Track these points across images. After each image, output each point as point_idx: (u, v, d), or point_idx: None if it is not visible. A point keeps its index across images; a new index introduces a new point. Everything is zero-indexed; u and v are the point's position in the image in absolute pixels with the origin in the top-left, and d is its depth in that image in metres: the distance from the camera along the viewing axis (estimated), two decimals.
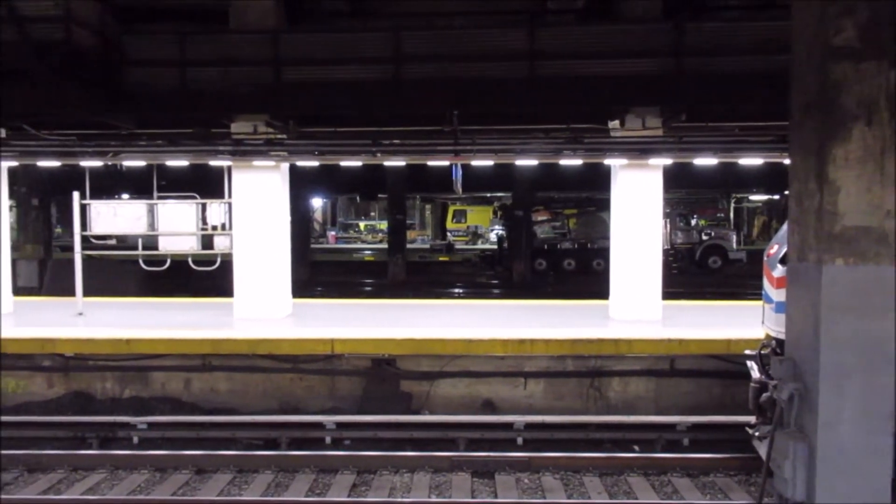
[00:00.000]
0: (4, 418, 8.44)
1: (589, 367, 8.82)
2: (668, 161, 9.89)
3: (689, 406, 8.64)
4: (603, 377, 8.84)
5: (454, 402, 8.85)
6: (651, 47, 9.32)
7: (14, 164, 10.94)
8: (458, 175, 11.05)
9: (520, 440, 7.91)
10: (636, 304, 10.12)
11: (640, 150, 9.59)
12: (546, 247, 26.31)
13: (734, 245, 27.20)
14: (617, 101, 9.63)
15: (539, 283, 23.76)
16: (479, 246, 37.22)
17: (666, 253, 10.58)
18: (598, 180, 18.46)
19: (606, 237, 24.31)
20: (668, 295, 10.62)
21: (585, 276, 23.96)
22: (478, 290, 22.96)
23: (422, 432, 8.04)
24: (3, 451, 7.52)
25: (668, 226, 24.89)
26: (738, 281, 22.33)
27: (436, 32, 9.66)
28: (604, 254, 23.30)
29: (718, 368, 8.72)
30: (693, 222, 28.06)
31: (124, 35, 9.75)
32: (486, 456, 7.32)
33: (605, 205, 26.02)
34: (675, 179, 13.18)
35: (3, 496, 6.02)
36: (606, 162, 10.14)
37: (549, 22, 10.06)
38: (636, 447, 7.83)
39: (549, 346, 8.69)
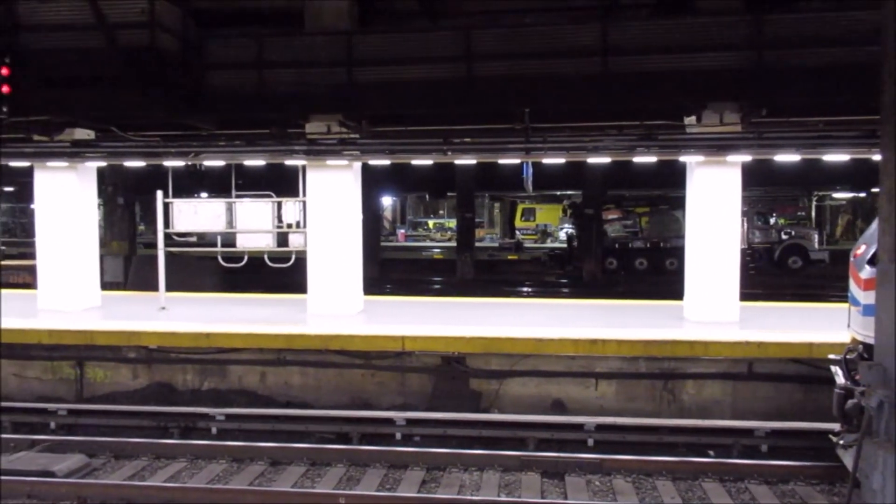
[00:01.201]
0: (95, 407, 8.89)
1: (662, 368, 8.64)
2: (747, 158, 9.58)
3: (767, 411, 8.36)
4: (677, 379, 8.64)
5: (523, 402, 8.81)
6: (729, 40, 9.03)
7: (103, 164, 11.45)
8: (528, 173, 10.99)
9: (590, 441, 7.82)
10: (712, 305, 9.85)
11: (717, 146, 9.32)
12: (617, 246, 25.89)
13: (816, 245, 26.14)
14: (693, 97, 9.37)
15: (610, 282, 23.40)
16: (548, 244, 36.91)
17: (743, 252, 10.25)
18: (671, 178, 18.00)
19: (680, 236, 24.00)
20: (745, 296, 10.29)
21: (658, 275, 23.49)
22: (547, 289, 22.77)
23: (491, 431, 8.05)
24: (94, 438, 7.94)
25: (746, 224, 24.11)
26: (820, 282, 21.46)
27: (506, 30, 9.62)
28: (677, 253, 22.83)
29: (800, 373, 8.40)
30: (772, 221, 27.10)
31: (205, 39, 10.08)
32: (555, 456, 7.27)
33: (678, 203, 25.49)
34: (753, 176, 12.72)
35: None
36: (682, 159, 9.90)
37: (622, 17, 9.88)
38: (711, 452, 7.62)
39: (621, 347, 8.55)
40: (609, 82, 9.22)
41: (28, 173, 13.11)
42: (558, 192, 35.11)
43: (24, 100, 9.42)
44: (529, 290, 22.32)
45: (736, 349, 8.46)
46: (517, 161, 10.57)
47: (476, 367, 8.92)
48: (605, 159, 10.30)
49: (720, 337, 8.64)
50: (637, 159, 10.01)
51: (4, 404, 8.97)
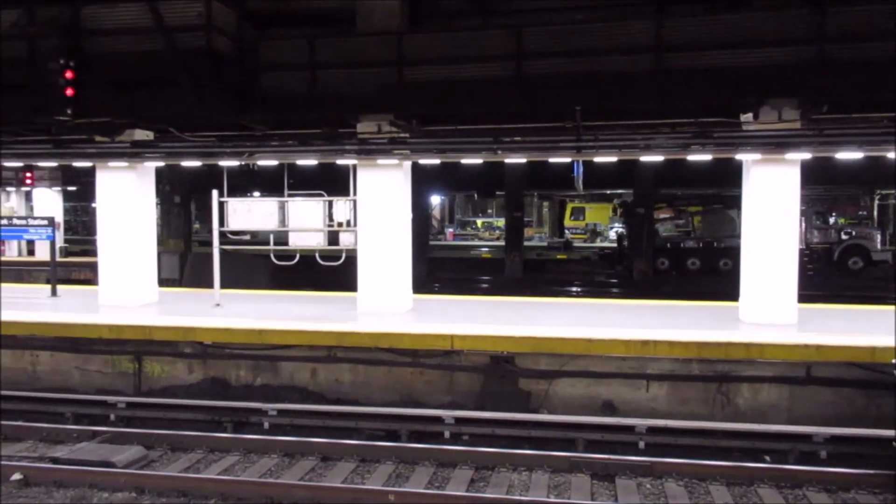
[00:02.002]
0: (152, 400, 9.14)
1: (716, 371, 8.45)
2: (807, 155, 9.29)
3: (826, 417, 8.11)
4: (731, 382, 8.44)
5: (573, 402, 8.73)
6: (789, 35, 8.79)
7: (161, 164, 11.76)
8: (579, 172, 10.87)
9: (641, 444, 7.71)
10: (769, 307, 9.60)
11: (775, 144, 9.07)
12: (669, 245, 25.44)
13: (878, 245, 25.21)
14: (751, 93, 9.13)
15: (661, 282, 23.02)
16: (598, 244, 36.51)
17: (801, 253, 9.95)
18: (726, 176, 17.62)
19: (734, 236, 23.48)
20: (803, 298, 9.99)
21: (711, 276, 23.01)
22: (596, 288, 22.52)
23: (540, 431, 8.00)
24: (151, 431, 8.16)
25: (804, 224, 23.45)
26: (883, 284, 20.70)
27: (558, 28, 9.53)
28: (731, 253, 22.33)
29: (861, 377, 8.12)
30: (831, 220, 26.25)
31: (259, 41, 10.26)
32: (606, 458, 7.18)
33: (732, 202, 24.94)
34: (812, 175, 12.34)
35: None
36: (738, 157, 9.66)
37: (676, 12, 9.69)
38: (767, 457, 7.43)
39: (673, 349, 8.40)
40: (663, 79, 9.07)
41: (90, 173, 13.57)
42: (608, 191, 34.69)
43: (87, 102, 9.75)
44: (579, 289, 22.11)
45: (793, 352, 8.23)
46: (568, 160, 10.46)
47: (525, 366, 8.87)
48: (658, 158, 10.11)
49: (777, 339, 8.41)
50: (691, 157, 9.80)
51: (69, 396, 9.31)
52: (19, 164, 19.41)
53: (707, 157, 9.69)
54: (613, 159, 10.13)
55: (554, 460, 7.22)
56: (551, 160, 10.37)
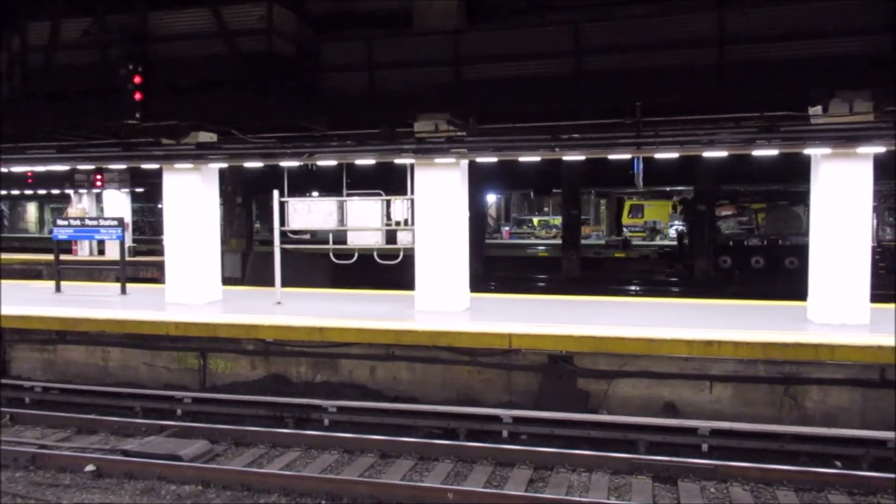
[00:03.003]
0: (217, 396, 9.37)
1: (783, 373, 8.20)
2: (881, 149, 8.91)
3: None
4: (799, 385, 8.17)
5: (633, 403, 8.59)
6: (861, 24, 8.45)
7: (224, 165, 12.04)
8: (639, 169, 10.67)
9: (705, 447, 7.55)
10: (839, 307, 9.24)
11: (846, 137, 8.72)
12: (731, 243, 24.80)
13: None
14: (821, 86, 8.81)
15: (723, 281, 22.47)
16: (658, 242, 35.86)
17: (873, 251, 9.55)
18: (792, 172, 17.07)
19: (800, 233, 22.76)
20: (875, 297, 9.59)
21: (776, 275, 22.33)
22: (656, 287, 22.14)
23: (599, 432, 7.91)
24: (216, 425, 8.37)
25: (876, 221, 22.54)
26: None
27: (616, 22, 9.38)
28: (797, 251, 21.66)
29: None
30: None
31: (318, 43, 10.41)
32: (668, 461, 7.05)
33: (798, 198, 24.18)
34: (884, 170, 11.82)
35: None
36: (806, 152, 9.33)
37: (740, 4, 9.42)
38: (838, 463, 7.17)
39: (738, 349, 8.18)
40: (726, 72, 8.83)
41: (156, 175, 13.99)
42: (668, 188, 34.04)
43: (154, 106, 10.07)
44: (638, 288, 21.77)
45: (866, 354, 7.91)
46: (627, 156, 10.28)
47: (584, 366, 8.77)
48: (721, 153, 9.84)
49: (848, 340, 8.10)
50: (756, 153, 9.51)
51: (138, 391, 9.63)
52: (91, 166, 20.15)
53: (773, 152, 9.39)
54: (675, 155, 9.92)
55: (614, 462, 7.13)
56: (610, 157, 10.21)
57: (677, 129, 9.59)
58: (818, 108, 9.23)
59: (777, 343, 8.13)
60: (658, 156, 9.97)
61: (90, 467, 7.13)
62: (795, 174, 16.14)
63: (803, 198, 23.59)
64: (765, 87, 8.95)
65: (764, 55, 8.75)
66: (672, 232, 36.26)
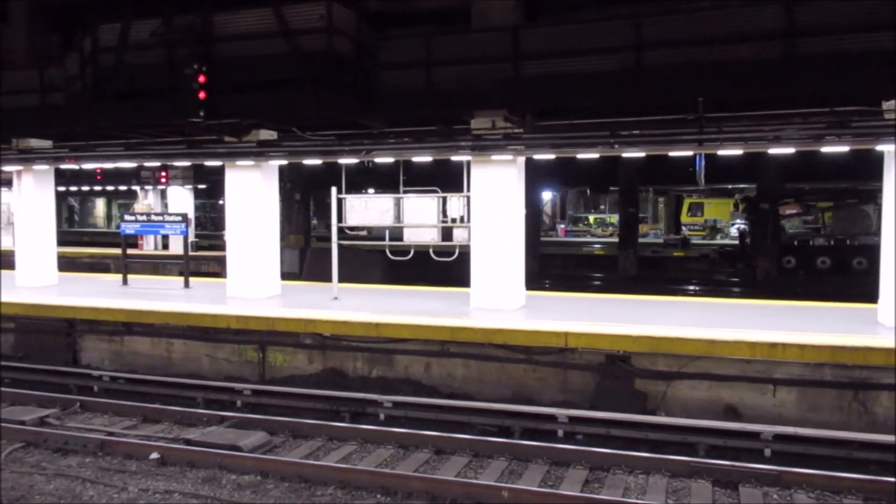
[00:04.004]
0: (275, 388, 9.54)
1: (852, 377, 7.89)
2: None
3: None
4: (869, 390, 7.86)
5: (693, 406, 8.40)
6: None
7: (284, 162, 12.26)
8: (700, 166, 10.43)
9: (767, 452, 7.33)
10: None
11: None
12: (796, 243, 24.04)
13: None
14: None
15: (787, 282, 21.80)
16: (718, 241, 35.04)
17: None
18: (861, 169, 16.43)
19: (869, 233, 21.88)
20: None
21: (843, 275, 21.56)
22: (716, 288, 21.62)
23: (658, 434, 7.77)
24: (274, 417, 8.53)
25: None
26: None
27: (679, 16, 9.16)
28: (867, 251, 20.86)
29: None
30: None
31: (377, 40, 10.49)
32: (728, 465, 6.86)
33: (868, 196, 23.28)
34: None
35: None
36: (879, 148, 8.97)
37: None
38: None
39: (804, 352, 7.91)
40: (794, 67, 8.54)
41: (217, 172, 14.33)
42: (729, 186, 33.22)
43: (217, 104, 10.31)
44: (697, 288, 21.31)
45: None
46: (689, 153, 10.06)
47: (642, 366, 8.63)
48: (787, 150, 9.54)
49: None
50: (825, 149, 9.19)
51: (200, 382, 9.89)
52: (157, 163, 20.79)
53: (843, 148, 9.06)
54: (738, 152, 9.65)
55: (673, 464, 6.99)
56: (671, 154, 10.01)
57: (741, 124, 9.33)
58: (892, 103, 8.85)
59: (846, 347, 7.83)
60: (721, 152, 9.72)
61: (154, 455, 7.35)
62: (865, 172, 15.56)
63: (873, 196, 22.75)
64: (835, 80, 8.62)
65: (834, 48, 8.42)
66: (733, 231, 35.36)
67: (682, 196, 39.96)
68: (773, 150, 9.84)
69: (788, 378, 8.09)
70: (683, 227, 39.12)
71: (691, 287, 21.46)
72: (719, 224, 39.23)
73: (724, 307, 11.24)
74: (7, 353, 11.78)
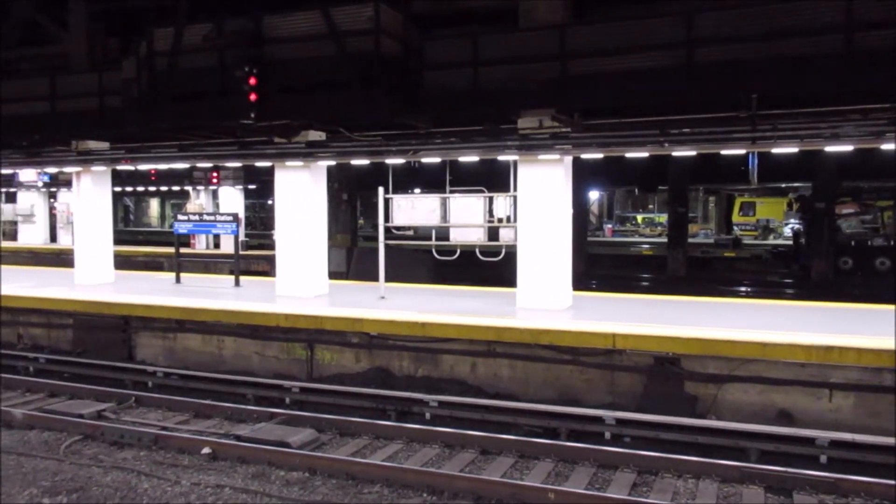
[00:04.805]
0: (323, 386, 9.65)
1: None
2: None
3: None
4: None
5: (744, 410, 8.22)
6: None
7: (332, 162, 12.40)
8: (753, 164, 10.18)
9: (823, 458, 7.13)
10: None
11: None
12: (853, 243, 23.31)
13: None
14: None
15: (843, 283, 21.15)
16: (771, 241, 34.19)
17: None
18: None
19: None
20: None
21: None
22: (769, 289, 21.11)
23: (708, 438, 7.62)
24: (322, 415, 8.63)
25: None
26: None
27: (732, 11, 8.96)
28: None
29: None
30: None
31: (423, 41, 10.53)
32: (782, 471, 6.69)
33: None
34: None
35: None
36: None
37: None
38: None
39: (862, 356, 7.67)
40: (853, 61, 8.27)
41: (266, 172, 14.56)
42: (783, 185, 32.38)
43: (267, 106, 10.48)
44: (749, 289, 20.83)
45: None
46: (742, 151, 9.83)
47: (692, 369, 8.47)
48: (845, 147, 9.25)
49: None
50: (887, 146, 8.87)
51: (249, 379, 10.06)
52: (209, 164, 21.24)
53: None
54: (794, 150, 9.40)
55: (723, 469, 6.84)
56: (723, 152, 9.80)
57: (797, 122, 9.09)
58: None
59: None
60: (775, 150, 9.49)
61: (206, 450, 7.52)
62: None
63: None
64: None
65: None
66: (787, 231, 34.48)
67: (734, 195, 39.13)
68: (831, 148, 9.55)
69: (846, 383, 7.84)
70: (735, 227, 38.30)
71: (743, 288, 21.00)
72: (772, 224, 38.26)
73: (777, 309, 10.96)
74: (66, 348, 12.19)
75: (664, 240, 28.82)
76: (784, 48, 8.58)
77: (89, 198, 14.23)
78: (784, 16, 8.64)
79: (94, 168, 14.01)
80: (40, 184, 26.80)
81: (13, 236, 28.93)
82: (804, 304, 11.72)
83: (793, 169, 21.68)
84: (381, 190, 11.66)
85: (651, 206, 50.03)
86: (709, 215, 45.07)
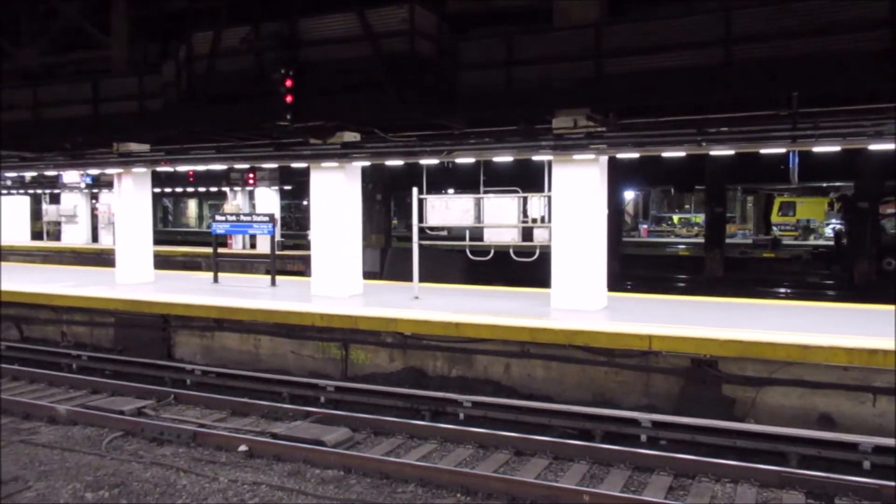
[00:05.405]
0: (357, 385, 9.71)
1: None
2: None
3: None
4: None
5: (784, 413, 8.06)
6: None
7: (367, 163, 12.47)
8: (794, 163, 9.98)
9: (866, 464, 6.96)
10: None
11: None
12: None
13: None
14: None
15: (887, 285, 20.57)
16: (812, 242, 33.51)
17: None
18: None
19: None
20: None
21: None
22: (809, 291, 20.66)
23: (746, 441, 7.49)
24: (357, 414, 8.69)
25: None
26: None
27: (772, 8, 8.79)
28: None
29: None
30: None
31: (457, 41, 10.53)
32: (824, 476, 6.55)
33: None
34: None
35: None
36: None
37: None
38: None
39: None
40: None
41: (302, 173, 14.70)
42: (825, 184, 31.70)
43: (303, 108, 10.59)
44: (788, 291, 20.43)
45: None
46: (782, 150, 9.65)
47: (730, 372, 8.34)
48: (889, 146, 9.02)
49: None
50: None
51: (285, 377, 10.17)
52: (246, 165, 21.53)
53: None
54: (836, 148, 9.19)
55: (762, 474, 6.72)
56: (762, 151, 9.62)
57: (839, 119, 8.89)
58: None
59: None
60: (816, 149, 9.29)
61: (243, 447, 7.62)
62: None
63: None
64: None
65: None
66: (828, 231, 33.76)
67: (773, 195, 38.45)
68: (875, 147, 9.32)
69: (890, 387, 7.65)
70: (774, 227, 37.63)
71: (782, 290, 20.60)
72: (813, 224, 37.52)
73: (818, 311, 10.74)
74: (108, 346, 12.47)
75: (701, 240, 28.40)
76: (828, 45, 8.39)
77: (130, 199, 14.52)
78: (826, 12, 8.46)
79: (135, 169, 14.29)
80: (83, 185, 27.44)
81: (57, 236, 29.66)
82: (846, 307, 11.44)
83: (835, 168, 21.21)
84: (414, 190, 11.69)
85: (687, 206, 49.42)
86: (747, 215, 44.39)
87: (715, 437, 7.63)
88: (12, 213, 29.50)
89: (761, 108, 9.62)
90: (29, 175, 25.60)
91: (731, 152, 9.99)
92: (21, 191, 29.09)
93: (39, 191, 29.77)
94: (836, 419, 7.85)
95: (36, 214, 31.62)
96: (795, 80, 8.64)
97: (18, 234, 29.45)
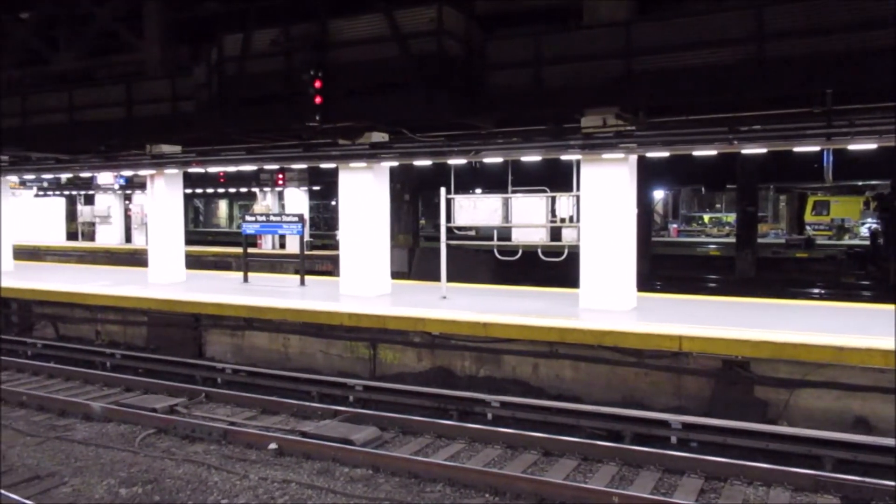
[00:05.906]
0: (385, 385, 9.75)
1: None
2: None
3: None
4: None
5: (818, 416, 7.92)
6: None
7: (395, 163, 12.51)
8: (828, 162, 9.79)
9: None
10: None
11: None
12: None
13: None
14: None
15: None
16: (846, 241, 32.87)
17: None
18: None
19: None
20: None
21: None
22: (844, 291, 20.26)
23: (779, 444, 7.39)
24: (385, 413, 8.72)
25: None
26: None
27: (805, 4, 8.64)
28: None
29: None
30: None
31: (486, 41, 10.51)
32: (859, 481, 6.43)
33: None
34: None
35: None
36: None
37: None
38: None
39: None
40: None
41: (330, 174, 14.78)
42: (860, 183, 31.07)
43: (332, 108, 10.66)
44: (822, 292, 20.06)
45: None
46: (816, 148, 9.48)
47: (762, 373, 8.22)
48: None
49: None
50: None
51: (314, 376, 10.25)
52: (275, 166, 21.74)
53: None
54: (872, 146, 9.00)
55: (796, 477, 6.61)
56: (796, 149, 9.46)
57: (875, 117, 8.70)
58: None
59: None
60: (851, 147, 9.11)
61: (273, 445, 7.69)
62: None
63: None
64: None
65: None
66: (864, 231, 33.09)
67: (807, 194, 37.78)
68: None
69: None
70: (807, 227, 36.98)
71: (816, 290, 20.24)
72: (847, 223, 36.79)
73: (853, 312, 10.53)
74: (141, 344, 12.67)
75: (732, 240, 28.00)
76: (864, 41, 8.22)
77: (162, 199, 14.73)
78: (861, 7, 8.28)
79: (167, 171, 14.50)
80: (116, 186, 27.93)
81: (91, 237, 30.23)
82: (882, 308, 11.21)
83: (870, 166, 20.77)
84: (442, 190, 11.70)
85: (718, 206, 48.78)
86: (779, 214, 43.68)
87: (747, 439, 7.54)
88: (49, 214, 30.14)
89: (794, 105, 9.45)
90: (65, 177, 26.14)
91: (764, 150, 9.84)
92: (57, 192, 29.71)
93: (74, 192, 30.39)
94: (873, 422, 7.69)
95: (71, 215, 32.27)
96: (830, 77, 8.47)
97: (54, 234, 30.07)
